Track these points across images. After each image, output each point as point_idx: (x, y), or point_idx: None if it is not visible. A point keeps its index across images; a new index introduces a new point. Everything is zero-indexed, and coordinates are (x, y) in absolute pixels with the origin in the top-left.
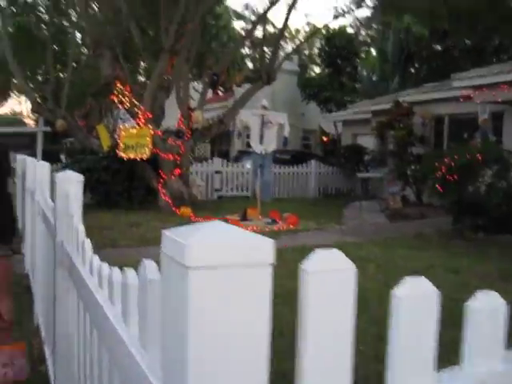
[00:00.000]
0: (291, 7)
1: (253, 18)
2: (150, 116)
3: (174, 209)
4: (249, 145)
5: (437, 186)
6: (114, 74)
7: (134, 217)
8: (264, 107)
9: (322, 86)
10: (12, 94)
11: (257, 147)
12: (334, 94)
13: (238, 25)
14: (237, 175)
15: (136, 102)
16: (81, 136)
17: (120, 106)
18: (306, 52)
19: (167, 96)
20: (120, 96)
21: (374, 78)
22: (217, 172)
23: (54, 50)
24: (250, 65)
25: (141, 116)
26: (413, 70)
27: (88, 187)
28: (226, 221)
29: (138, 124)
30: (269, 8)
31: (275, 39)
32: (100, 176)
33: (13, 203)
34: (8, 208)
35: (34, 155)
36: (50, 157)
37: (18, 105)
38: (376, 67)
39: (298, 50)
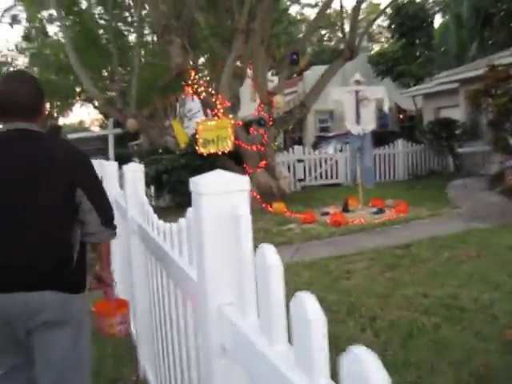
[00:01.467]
0: None
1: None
2: (229, 105)
3: (263, 205)
4: (324, 129)
5: None
6: (186, 63)
7: None
8: (358, 82)
9: (395, 60)
10: (76, 103)
11: (354, 128)
12: (410, 67)
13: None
14: (320, 162)
15: (212, 91)
16: (154, 134)
17: (195, 97)
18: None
19: (241, 84)
20: (195, 86)
21: (447, 47)
22: (299, 161)
23: (116, 50)
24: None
25: (219, 106)
26: (489, 34)
27: (167, 188)
28: (328, 214)
29: (216, 115)
30: None
31: (353, 13)
32: (180, 175)
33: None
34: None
35: (106, 160)
36: (120, 160)
37: (85, 113)
38: (453, 34)
39: (371, 24)
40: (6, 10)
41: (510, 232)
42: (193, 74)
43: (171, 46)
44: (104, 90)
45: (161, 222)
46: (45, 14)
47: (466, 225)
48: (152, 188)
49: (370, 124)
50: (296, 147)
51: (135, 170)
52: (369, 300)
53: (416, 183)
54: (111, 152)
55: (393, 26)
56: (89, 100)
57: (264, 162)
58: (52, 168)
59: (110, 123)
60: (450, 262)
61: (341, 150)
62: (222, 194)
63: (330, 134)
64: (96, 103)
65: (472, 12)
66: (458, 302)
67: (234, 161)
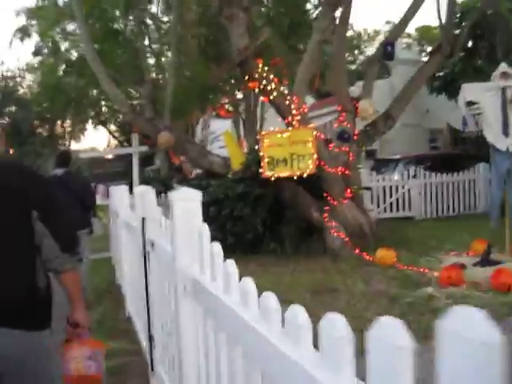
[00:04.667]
0: None
1: None
2: (306, 111)
3: (356, 251)
4: (371, 153)
5: None
6: (252, 47)
7: (303, 272)
8: (506, 74)
9: (454, 75)
10: (89, 124)
11: (500, 141)
12: (471, 82)
13: None
14: (390, 191)
15: (285, 92)
16: (195, 153)
17: (264, 99)
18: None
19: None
20: (262, 82)
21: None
22: (366, 188)
23: (145, 45)
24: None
25: (295, 112)
26: None
27: (215, 224)
28: (463, 267)
29: (290, 124)
30: None
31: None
32: (234, 208)
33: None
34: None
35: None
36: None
37: (98, 139)
38: None
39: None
40: (18, 30)
41: None
42: (260, 64)
43: (232, 24)
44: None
45: None
46: (58, 30)
47: None
48: None
49: None
50: (363, 171)
51: (189, 199)
52: None
53: None
54: (135, 176)
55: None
56: (104, 122)
57: (350, 191)
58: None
59: (135, 139)
60: None
61: (414, 176)
62: (185, 201)
63: (396, 157)
64: (111, 126)
65: None
66: None
67: (307, 188)
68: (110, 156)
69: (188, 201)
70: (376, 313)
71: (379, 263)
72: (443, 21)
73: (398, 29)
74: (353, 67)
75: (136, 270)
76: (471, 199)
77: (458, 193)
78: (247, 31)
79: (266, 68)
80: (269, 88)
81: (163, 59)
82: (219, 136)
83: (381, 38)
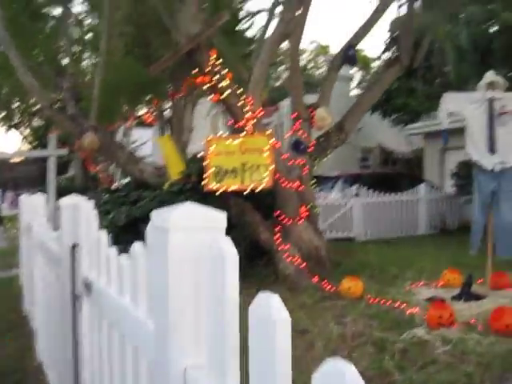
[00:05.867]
0: None
1: None
2: (262, 114)
3: (315, 279)
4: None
5: None
6: (205, 33)
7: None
8: (492, 85)
9: (389, 93)
10: None
11: (485, 159)
12: (408, 101)
13: None
14: (330, 210)
15: (236, 91)
16: (123, 158)
17: (213, 99)
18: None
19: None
20: (214, 77)
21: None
22: None
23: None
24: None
25: (249, 114)
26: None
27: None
28: (442, 302)
29: (239, 129)
30: None
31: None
32: None
33: None
34: None
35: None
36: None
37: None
38: (452, 68)
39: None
40: None
41: None
42: (213, 54)
43: (183, 7)
44: (47, 88)
45: None
46: None
47: None
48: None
49: None
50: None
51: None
52: None
53: (456, 241)
54: (51, 183)
55: (386, 54)
56: (15, 125)
57: (305, 210)
58: None
59: (52, 140)
60: None
61: (357, 195)
62: (195, 231)
63: (334, 174)
64: (25, 131)
65: (471, 45)
66: None
67: (254, 205)
68: (20, 159)
69: (202, 230)
70: (365, 366)
71: (346, 295)
72: (398, 32)
73: (362, 32)
74: (278, 83)
75: (56, 316)
76: (411, 221)
77: (399, 214)
78: (201, 14)
79: (220, 61)
80: (220, 85)
81: (84, 62)
82: (140, 146)
83: (305, 55)
